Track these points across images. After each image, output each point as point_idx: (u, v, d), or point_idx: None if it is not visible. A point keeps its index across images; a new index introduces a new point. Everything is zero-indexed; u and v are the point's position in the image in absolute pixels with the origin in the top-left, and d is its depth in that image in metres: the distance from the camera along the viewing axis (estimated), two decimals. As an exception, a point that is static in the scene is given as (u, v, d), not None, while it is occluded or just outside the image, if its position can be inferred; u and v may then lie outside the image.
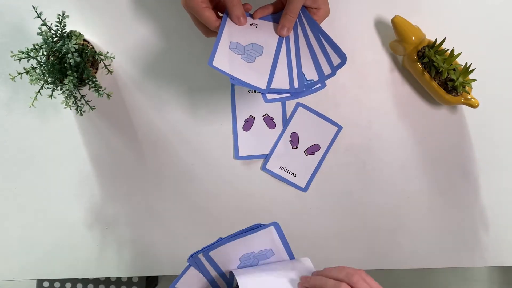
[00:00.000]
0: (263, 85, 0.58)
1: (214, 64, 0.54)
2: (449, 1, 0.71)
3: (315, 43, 0.58)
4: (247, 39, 0.58)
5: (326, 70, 0.58)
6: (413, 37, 0.64)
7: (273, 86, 0.57)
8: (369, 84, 0.70)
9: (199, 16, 0.53)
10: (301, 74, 0.58)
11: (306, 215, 0.70)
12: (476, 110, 0.66)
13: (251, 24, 0.59)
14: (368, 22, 0.71)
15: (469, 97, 0.65)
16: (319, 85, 0.58)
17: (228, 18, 0.55)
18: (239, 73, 0.57)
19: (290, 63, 0.58)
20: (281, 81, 0.57)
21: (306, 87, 0.58)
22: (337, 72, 0.58)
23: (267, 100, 0.56)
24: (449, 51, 0.64)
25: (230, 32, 0.56)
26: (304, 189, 0.69)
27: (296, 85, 0.57)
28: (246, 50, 0.58)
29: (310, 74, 0.58)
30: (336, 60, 0.57)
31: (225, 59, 0.55)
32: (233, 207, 0.69)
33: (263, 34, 0.59)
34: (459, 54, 0.64)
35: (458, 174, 0.70)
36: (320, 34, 0.57)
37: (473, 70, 0.64)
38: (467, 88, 0.65)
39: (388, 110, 0.70)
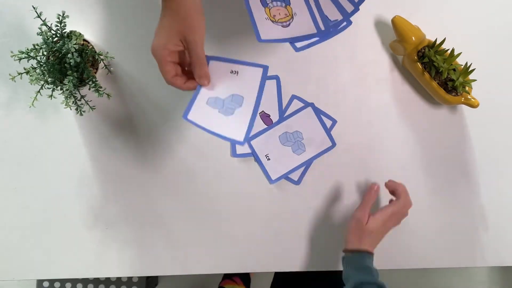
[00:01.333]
0: (240, 137, 0.58)
1: (188, 117, 0.55)
2: (449, 1, 0.71)
3: None
4: (227, 91, 0.58)
5: (348, 7, 0.57)
6: (413, 37, 0.64)
7: (295, 32, 0.55)
8: (369, 84, 0.70)
9: (159, 66, 0.53)
10: (324, 16, 0.57)
11: (305, 213, 0.70)
12: (476, 110, 0.65)
13: (231, 72, 0.59)
14: (368, 22, 0.71)
15: (469, 97, 0.65)
16: (344, 23, 0.58)
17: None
18: (214, 126, 0.57)
19: (310, 7, 0.57)
20: (306, 26, 0.56)
21: (333, 27, 0.57)
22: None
23: (297, 49, 0.55)
24: (449, 51, 0.64)
25: (210, 86, 0.56)
26: (297, 182, 0.70)
27: (322, 27, 0.57)
28: (225, 104, 0.58)
29: (333, 14, 0.58)
30: None
31: (201, 114, 0.55)
32: (233, 207, 0.69)
33: (244, 82, 0.59)
34: (459, 54, 0.64)
35: (458, 174, 0.70)
36: None
37: (473, 70, 0.64)
38: (467, 88, 0.65)
39: (388, 110, 0.70)
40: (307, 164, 0.69)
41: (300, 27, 0.55)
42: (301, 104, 0.69)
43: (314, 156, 0.69)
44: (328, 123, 0.69)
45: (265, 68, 0.58)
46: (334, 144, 0.69)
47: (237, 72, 0.58)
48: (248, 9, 0.54)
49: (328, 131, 0.69)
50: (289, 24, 0.54)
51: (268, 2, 0.55)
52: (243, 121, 0.58)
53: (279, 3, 0.54)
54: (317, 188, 0.70)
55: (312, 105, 0.68)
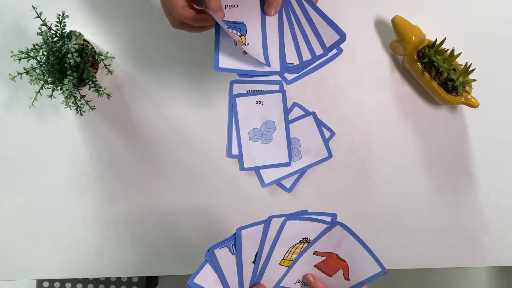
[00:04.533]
0: (285, 159, 0.68)
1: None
2: (449, 1, 0.71)
3: (305, 23, 0.55)
4: (260, 120, 0.68)
5: (318, 50, 0.55)
6: (413, 37, 0.64)
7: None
8: (369, 84, 0.70)
9: (175, 15, 0.49)
10: (278, 55, 0.55)
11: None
12: (476, 110, 0.66)
13: (257, 103, 0.67)
14: (368, 22, 0.71)
15: (469, 97, 0.65)
16: (335, 51, 0.56)
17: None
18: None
19: (265, 43, 0.55)
20: (256, 56, 0.55)
21: (294, 68, 0.55)
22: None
23: (288, 82, 0.54)
24: (449, 51, 0.64)
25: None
26: (289, 189, 0.69)
27: (271, 65, 0.55)
28: (262, 132, 0.67)
29: (292, 57, 0.56)
30: (334, 38, 0.54)
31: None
32: (234, 206, 0.69)
33: (270, 107, 0.66)
34: (459, 54, 0.64)
35: (458, 174, 0.70)
36: (317, 12, 0.54)
37: (473, 70, 0.64)
38: (467, 88, 0.65)
39: (388, 110, 0.70)
40: (301, 172, 0.69)
41: (253, 53, 0.54)
42: (302, 112, 0.69)
43: (309, 165, 0.69)
44: (327, 134, 0.69)
45: (283, 93, 0.68)
46: (330, 156, 0.69)
47: (262, 101, 0.68)
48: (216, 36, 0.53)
49: (326, 141, 0.69)
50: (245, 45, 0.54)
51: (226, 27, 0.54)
52: (282, 144, 0.67)
53: (234, 31, 0.54)
54: (317, 187, 0.70)
55: (313, 114, 0.69)
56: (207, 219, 0.69)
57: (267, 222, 0.50)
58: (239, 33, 0.53)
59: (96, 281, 1.14)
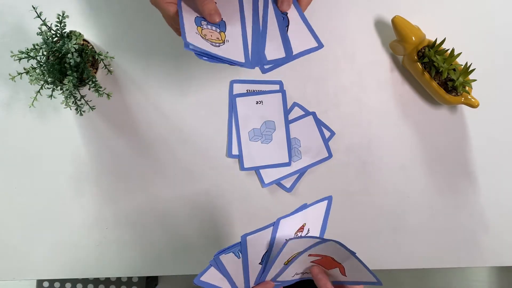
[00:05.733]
0: (285, 159, 0.67)
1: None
2: (449, 1, 0.71)
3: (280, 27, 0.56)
4: (260, 120, 0.67)
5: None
6: (413, 37, 0.64)
7: (223, 54, 0.52)
8: (369, 84, 0.70)
9: (161, 10, 0.51)
10: (258, 52, 0.54)
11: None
12: (476, 110, 0.66)
13: (257, 103, 0.67)
14: (368, 22, 0.71)
15: (469, 97, 0.65)
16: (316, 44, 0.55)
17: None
18: (264, 160, 0.66)
19: (246, 41, 0.54)
20: (235, 53, 0.53)
21: (270, 63, 0.55)
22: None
23: (265, 71, 0.53)
24: (449, 51, 0.64)
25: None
26: (289, 189, 0.69)
27: (251, 61, 0.54)
28: (262, 132, 0.67)
29: (272, 54, 0.56)
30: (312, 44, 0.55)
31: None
32: (234, 206, 0.69)
33: (270, 108, 0.66)
34: (459, 54, 0.64)
35: (458, 174, 0.70)
36: (302, 19, 0.55)
37: (473, 70, 0.64)
38: (467, 88, 0.65)
39: (388, 110, 0.70)
40: (301, 172, 0.69)
41: (229, 52, 0.54)
42: (302, 112, 0.69)
43: (309, 165, 0.69)
44: (327, 134, 0.69)
45: (283, 93, 0.68)
46: (330, 156, 0.69)
47: (262, 101, 0.68)
48: (181, 19, 0.52)
49: (326, 141, 0.69)
50: (219, 46, 0.53)
51: (202, 23, 0.54)
52: (282, 144, 0.67)
53: (214, 27, 0.54)
54: (317, 187, 0.70)
55: (313, 114, 0.69)
56: (207, 219, 0.69)
57: (275, 225, 0.51)
58: (218, 30, 0.53)
59: (96, 281, 1.14)
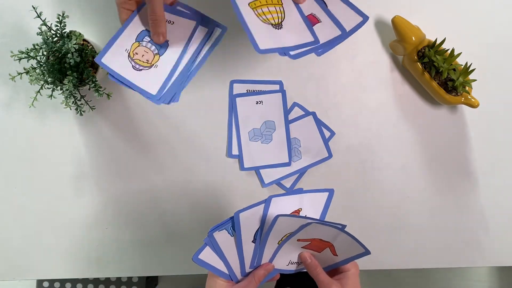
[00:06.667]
0: (285, 159, 0.67)
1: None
2: (449, 1, 0.71)
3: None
4: (260, 120, 0.68)
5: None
6: (413, 37, 0.64)
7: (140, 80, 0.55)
8: (369, 84, 0.70)
9: (119, 13, 0.55)
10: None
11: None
12: (476, 110, 0.65)
13: (257, 103, 0.67)
14: (368, 22, 0.71)
15: (469, 97, 0.65)
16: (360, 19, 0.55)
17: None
18: (263, 161, 0.66)
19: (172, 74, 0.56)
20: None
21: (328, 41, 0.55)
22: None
23: (294, 57, 0.53)
24: (449, 51, 0.64)
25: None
26: (289, 189, 0.70)
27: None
28: (262, 132, 0.68)
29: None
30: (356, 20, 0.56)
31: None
32: (234, 206, 0.69)
33: (270, 107, 0.67)
34: (459, 54, 0.64)
35: (458, 174, 0.70)
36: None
37: (473, 70, 0.64)
38: (467, 88, 0.65)
39: (388, 110, 0.70)
40: (301, 172, 0.69)
41: (145, 80, 0.55)
42: (302, 112, 0.69)
43: (309, 165, 0.69)
44: (327, 134, 0.69)
45: (283, 93, 0.68)
46: (330, 156, 0.69)
47: (262, 101, 0.68)
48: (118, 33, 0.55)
49: (326, 141, 0.69)
50: (141, 70, 0.55)
51: (145, 39, 0.55)
52: (282, 144, 0.67)
53: (153, 47, 0.56)
54: (316, 187, 0.69)
55: (313, 114, 0.69)
56: (207, 219, 0.69)
57: (267, 202, 0.52)
58: (156, 51, 0.55)
59: (96, 281, 1.14)
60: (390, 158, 0.70)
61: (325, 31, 0.55)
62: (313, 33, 0.55)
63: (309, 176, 0.70)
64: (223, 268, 0.53)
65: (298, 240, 0.52)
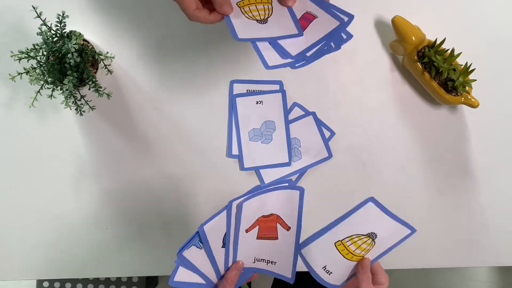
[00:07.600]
0: (285, 159, 0.67)
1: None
2: (449, 1, 0.71)
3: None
4: (260, 120, 0.68)
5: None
6: (413, 37, 0.64)
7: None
8: (369, 84, 0.70)
9: (179, 2, 0.51)
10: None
11: (305, 214, 0.70)
12: (476, 110, 0.65)
13: (257, 103, 0.68)
14: (368, 22, 0.71)
15: (469, 97, 0.65)
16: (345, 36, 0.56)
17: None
18: (264, 161, 0.67)
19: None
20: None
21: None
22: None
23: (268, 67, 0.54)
24: (449, 51, 0.64)
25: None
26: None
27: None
28: (262, 132, 0.68)
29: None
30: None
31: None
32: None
33: (270, 108, 0.68)
34: (459, 54, 0.64)
35: (458, 174, 0.70)
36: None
37: (473, 70, 0.64)
38: (467, 88, 0.65)
39: (388, 110, 0.70)
40: (301, 172, 0.69)
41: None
42: (302, 112, 0.69)
43: (309, 165, 0.69)
44: (327, 134, 0.69)
45: (283, 93, 0.68)
46: (330, 156, 0.69)
47: (262, 101, 0.68)
48: None
49: (326, 141, 0.69)
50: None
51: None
52: (282, 144, 0.67)
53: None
54: (317, 187, 0.70)
55: (313, 114, 0.69)
56: (207, 219, 0.69)
57: (228, 207, 0.53)
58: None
59: (96, 281, 1.14)
60: (390, 158, 0.70)
61: (324, 23, 0.55)
62: (298, 27, 0.54)
63: (309, 176, 0.70)
64: (201, 281, 0.54)
65: (247, 230, 0.53)
